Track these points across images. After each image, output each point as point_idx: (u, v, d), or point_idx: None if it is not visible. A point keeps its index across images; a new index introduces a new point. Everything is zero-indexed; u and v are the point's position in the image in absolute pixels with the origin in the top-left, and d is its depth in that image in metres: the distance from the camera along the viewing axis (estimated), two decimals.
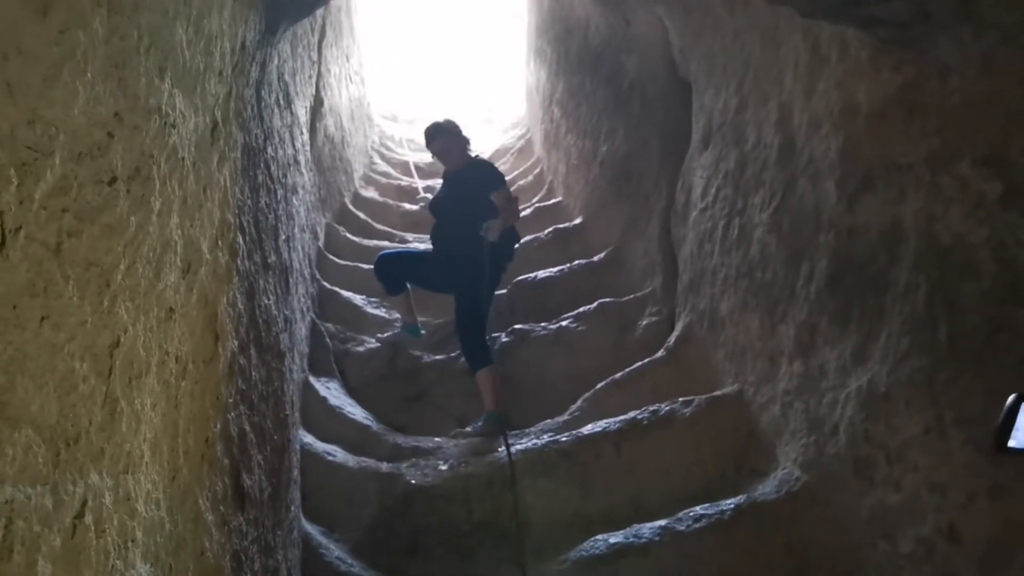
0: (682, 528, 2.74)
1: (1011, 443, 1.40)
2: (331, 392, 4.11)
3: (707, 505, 2.80)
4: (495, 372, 4.04)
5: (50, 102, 1.09)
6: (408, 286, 4.53)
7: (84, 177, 1.15)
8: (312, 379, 4.06)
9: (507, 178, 7.51)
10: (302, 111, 4.03)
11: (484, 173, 4.42)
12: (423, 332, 4.57)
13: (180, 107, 1.55)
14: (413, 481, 3.39)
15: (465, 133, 4.68)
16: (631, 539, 2.76)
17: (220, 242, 1.81)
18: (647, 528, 2.77)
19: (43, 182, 1.04)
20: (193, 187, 1.61)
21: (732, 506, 2.76)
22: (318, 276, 4.92)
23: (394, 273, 4.50)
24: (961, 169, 2.13)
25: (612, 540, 2.79)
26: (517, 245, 4.59)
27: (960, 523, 2.07)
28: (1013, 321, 1.97)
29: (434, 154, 4.76)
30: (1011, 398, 1.39)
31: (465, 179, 4.42)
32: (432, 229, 4.59)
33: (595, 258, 5.02)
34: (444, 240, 4.45)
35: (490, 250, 4.14)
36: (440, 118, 4.78)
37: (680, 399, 3.36)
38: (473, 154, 4.66)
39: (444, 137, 4.55)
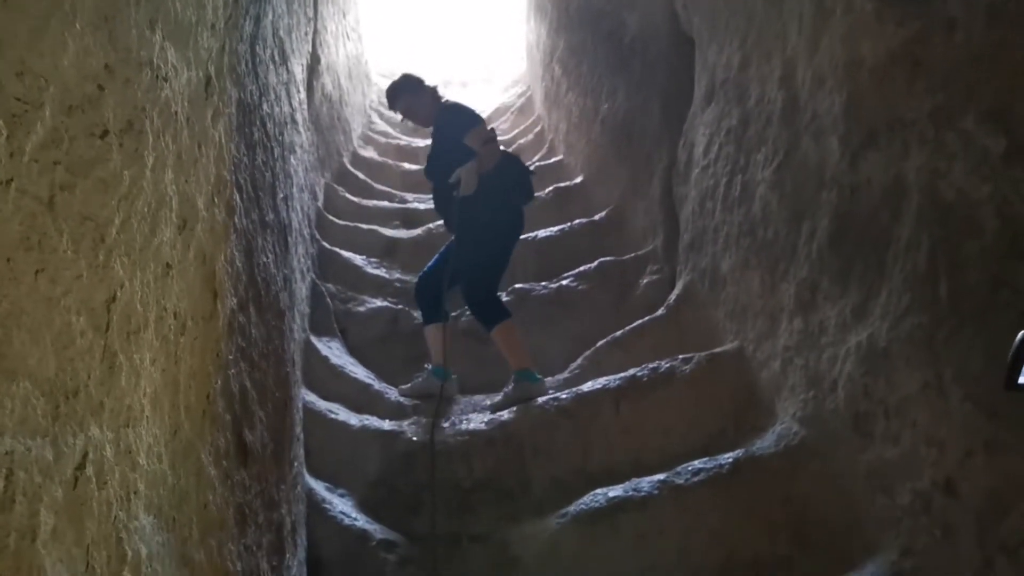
0: (681, 482, 2.78)
1: (1021, 379, 1.42)
2: (332, 352, 4.13)
3: (706, 459, 2.83)
4: (511, 326, 3.76)
5: (39, 54, 1.07)
6: (447, 320, 3.92)
7: (75, 130, 1.14)
8: (314, 339, 4.08)
9: (508, 136, 7.45)
10: (298, 69, 3.97)
11: (454, 116, 4.04)
12: (455, 376, 3.93)
13: (172, 60, 1.52)
14: (415, 439, 3.43)
15: (429, 83, 4.31)
16: (630, 493, 2.79)
17: (216, 199, 1.80)
18: (646, 482, 2.80)
19: (34, 134, 1.03)
20: (187, 142, 1.59)
21: (731, 460, 2.78)
22: (318, 236, 4.91)
23: (429, 287, 3.98)
24: (965, 125, 2.10)
25: (611, 494, 2.83)
26: (530, 200, 4.13)
27: (957, 477, 2.09)
28: (1014, 277, 1.96)
29: (404, 116, 4.38)
30: (1020, 335, 1.40)
31: (439, 129, 4.07)
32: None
33: (596, 217, 5.00)
34: (439, 206, 4.11)
35: (460, 206, 3.77)
36: (396, 76, 4.45)
37: (680, 356, 3.37)
38: (444, 100, 4.29)
39: (405, 95, 4.20)
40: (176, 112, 1.53)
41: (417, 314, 4.37)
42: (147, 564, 1.26)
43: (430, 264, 4.11)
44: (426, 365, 4.00)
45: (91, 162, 1.17)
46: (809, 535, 2.60)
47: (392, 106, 4.34)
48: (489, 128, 4.08)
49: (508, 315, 3.80)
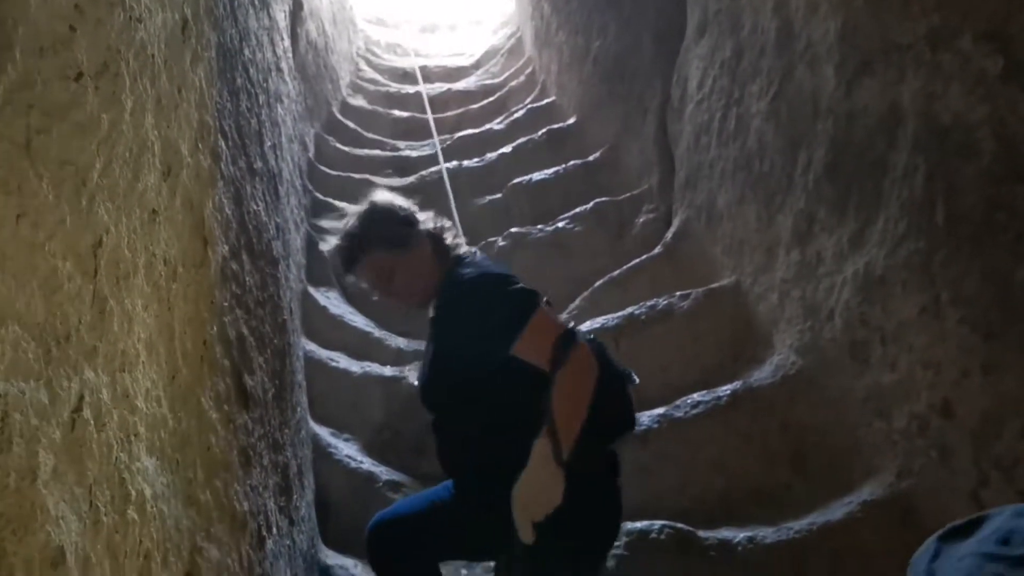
0: (680, 415, 2.81)
1: None
2: (331, 301, 4.14)
3: (704, 392, 2.86)
4: None
5: None
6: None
7: (48, 73, 1.11)
8: (311, 289, 4.08)
9: (498, 79, 7.28)
10: (281, 15, 3.88)
11: (484, 301, 1.86)
12: None
13: (145, 1, 1.48)
14: (417, 383, 3.43)
15: (423, 220, 2.08)
16: None
17: (200, 145, 1.77)
18: (646, 416, 2.83)
19: (5, 76, 1.00)
20: (166, 86, 1.56)
21: (729, 392, 2.81)
22: (310, 188, 4.86)
23: (397, 553, 1.98)
24: (962, 45, 2.06)
25: None
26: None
27: (953, 398, 2.11)
28: (1011, 199, 1.95)
29: (373, 288, 2.11)
30: None
31: (449, 321, 1.95)
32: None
33: (590, 158, 4.94)
34: (443, 460, 2.10)
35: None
36: (350, 213, 2.10)
37: (678, 293, 3.37)
38: (461, 252, 2.08)
39: (379, 250, 2.00)
40: (153, 55, 1.50)
41: None
42: (152, 503, 1.28)
43: (400, 507, 2.15)
44: None
45: (66, 105, 1.15)
46: (808, 461, 2.64)
47: (350, 267, 2.07)
48: (568, 326, 1.83)
49: None
